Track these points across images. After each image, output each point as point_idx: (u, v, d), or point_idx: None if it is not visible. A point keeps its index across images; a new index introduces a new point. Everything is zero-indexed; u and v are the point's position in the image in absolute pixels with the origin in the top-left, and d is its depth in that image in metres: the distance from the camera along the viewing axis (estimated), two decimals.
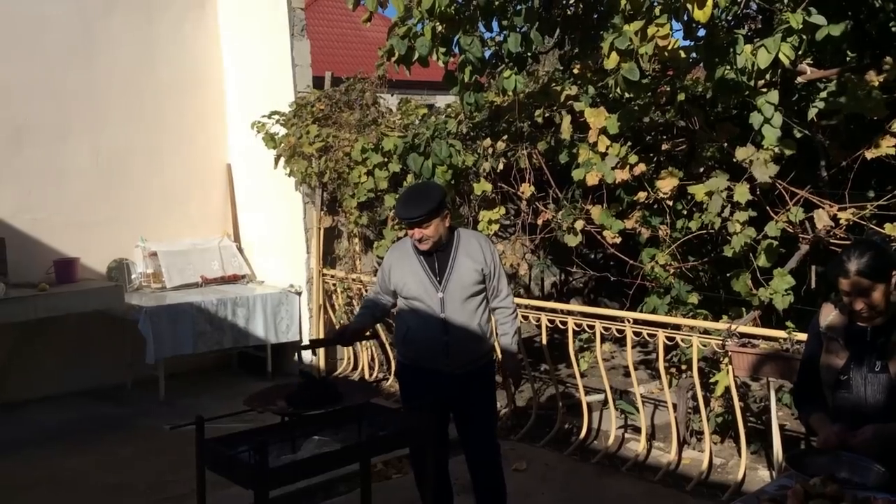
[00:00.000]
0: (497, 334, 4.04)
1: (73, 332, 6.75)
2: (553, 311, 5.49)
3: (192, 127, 7.65)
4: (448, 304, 3.80)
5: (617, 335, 5.28)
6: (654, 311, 5.14)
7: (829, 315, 2.96)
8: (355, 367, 7.27)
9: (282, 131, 7.17)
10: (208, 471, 3.36)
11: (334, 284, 7.21)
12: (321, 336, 7.24)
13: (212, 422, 3.35)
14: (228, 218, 7.89)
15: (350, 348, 7.31)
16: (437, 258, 3.82)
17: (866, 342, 2.82)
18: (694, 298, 5.07)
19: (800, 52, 4.10)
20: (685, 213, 5.01)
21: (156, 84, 7.39)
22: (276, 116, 7.19)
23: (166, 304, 6.68)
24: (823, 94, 4.42)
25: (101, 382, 6.90)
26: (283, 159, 7.13)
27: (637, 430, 5.40)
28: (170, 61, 7.46)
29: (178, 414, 5.74)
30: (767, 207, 4.62)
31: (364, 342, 7.09)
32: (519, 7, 4.93)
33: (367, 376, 7.08)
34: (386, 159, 6.31)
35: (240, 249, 7.80)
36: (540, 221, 5.61)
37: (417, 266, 3.84)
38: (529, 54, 5.18)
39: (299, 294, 7.37)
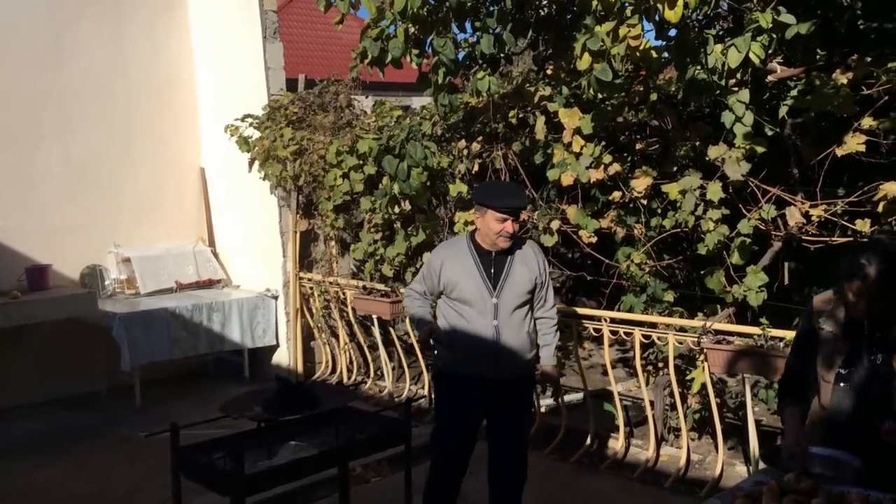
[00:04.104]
0: (539, 345, 3.93)
1: (46, 340, 6.67)
2: None
3: (165, 131, 7.59)
4: (501, 311, 3.68)
5: (594, 334, 5.30)
6: (630, 310, 5.17)
7: (823, 308, 2.95)
8: (333, 371, 7.24)
9: (255, 134, 7.12)
10: (184, 478, 3.34)
11: (311, 288, 7.19)
12: (299, 338, 7.22)
13: (187, 429, 3.33)
14: (203, 222, 7.83)
15: (328, 351, 7.29)
16: (495, 262, 3.71)
17: (864, 335, 2.82)
18: (670, 296, 5.10)
19: (770, 51, 4.13)
20: (659, 211, 5.04)
21: (127, 88, 7.31)
22: (250, 119, 7.15)
23: (140, 310, 6.62)
24: (793, 93, 4.46)
25: (75, 390, 6.81)
26: (257, 163, 7.09)
27: (615, 428, 5.42)
28: (141, 65, 7.39)
29: (154, 421, 5.63)
30: (740, 205, 4.66)
31: (342, 345, 7.09)
32: (491, 8, 4.92)
33: (345, 380, 7.06)
34: (361, 162, 6.29)
35: (215, 254, 7.74)
36: None
37: (473, 267, 3.71)
38: (503, 55, 5.18)
39: (276, 298, 7.34)
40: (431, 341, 3.82)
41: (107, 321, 6.48)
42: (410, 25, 4.78)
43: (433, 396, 4.00)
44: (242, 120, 7.17)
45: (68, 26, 6.96)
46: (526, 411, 3.98)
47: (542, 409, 5.80)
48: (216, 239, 7.85)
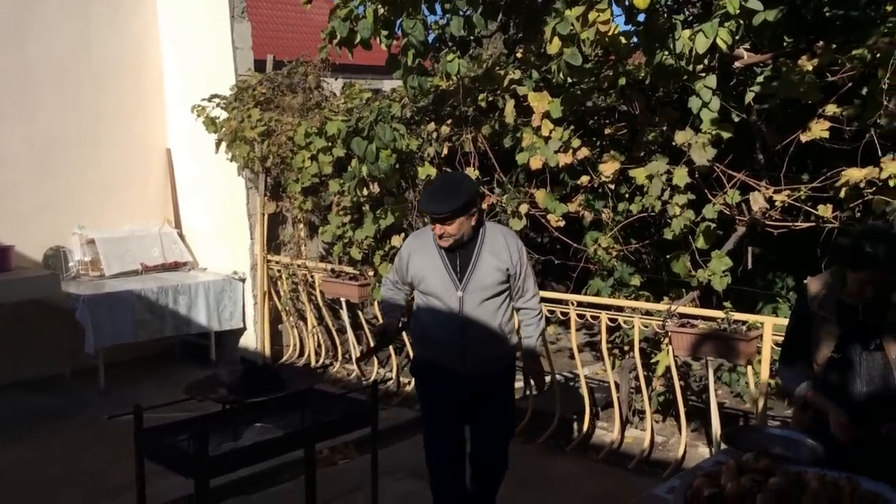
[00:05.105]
0: (521, 336, 3.85)
1: (8, 322, 6.55)
2: None
3: (130, 111, 7.47)
4: (467, 304, 3.57)
5: (561, 318, 5.33)
6: (597, 294, 5.20)
7: (818, 292, 2.93)
8: (301, 354, 7.22)
9: (223, 115, 7.04)
10: (148, 460, 3.31)
11: (279, 271, 7.15)
12: (266, 321, 7.19)
13: (151, 411, 3.30)
14: (169, 204, 7.74)
15: (296, 334, 7.26)
16: (460, 255, 3.59)
17: (858, 320, 2.81)
18: (636, 280, 5.15)
19: (737, 37, 4.16)
20: (627, 196, 5.06)
21: (91, 68, 7.18)
22: (217, 100, 7.06)
23: (105, 292, 6.54)
24: (760, 79, 4.50)
25: (39, 373, 6.72)
26: (224, 144, 7.01)
27: (581, 410, 5.47)
28: (106, 44, 7.25)
29: (119, 403, 5.58)
30: (706, 190, 4.71)
31: (310, 328, 7.06)
32: None
33: (313, 363, 7.04)
34: (330, 143, 6.25)
35: (181, 236, 7.65)
36: (485, 205, 5.61)
37: (438, 261, 3.60)
38: (473, 38, 5.16)
39: (243, 281, 7.28)
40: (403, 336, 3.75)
41: (70, 303, 6.39)
42: (380, 6, 4.75)
43: (417, 391, 3.94)
44: (209, 100, 7.08)
45: (31, 5, 6.80)
46: (505, 406, 3.85)
47: None
48: (182, 221, 7.76)
